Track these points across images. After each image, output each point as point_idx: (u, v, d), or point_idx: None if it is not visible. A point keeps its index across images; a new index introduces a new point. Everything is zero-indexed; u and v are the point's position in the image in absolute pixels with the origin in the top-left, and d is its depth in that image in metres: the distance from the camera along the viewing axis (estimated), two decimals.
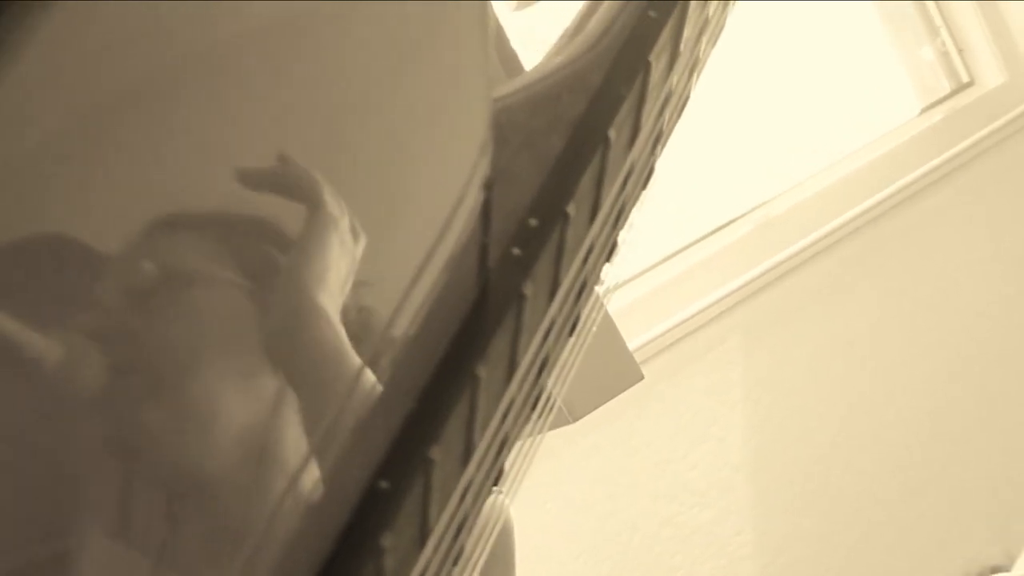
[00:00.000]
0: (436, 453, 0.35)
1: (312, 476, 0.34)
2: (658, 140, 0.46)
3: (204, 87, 0.30)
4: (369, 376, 0.36)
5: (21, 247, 0.27)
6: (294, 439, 0.34)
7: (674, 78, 0.45)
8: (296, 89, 0.33)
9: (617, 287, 0.50)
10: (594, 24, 0.45)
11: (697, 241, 1.78)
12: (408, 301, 0.37)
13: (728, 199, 1.84)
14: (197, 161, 0.31)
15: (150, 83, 0.29)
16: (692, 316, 1.68)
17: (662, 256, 1.74)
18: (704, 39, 0.48)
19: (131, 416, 0.31)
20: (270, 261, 0.34)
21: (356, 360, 0.35)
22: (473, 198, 0.39)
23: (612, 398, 0.82)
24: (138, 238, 0.30)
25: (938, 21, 2.15)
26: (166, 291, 0.32)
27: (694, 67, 0.48)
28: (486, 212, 0.39)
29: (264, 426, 0.34)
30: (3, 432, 0.27)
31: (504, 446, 0.40)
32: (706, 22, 0.47)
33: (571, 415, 0.76)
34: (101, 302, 0.29)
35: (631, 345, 1.16)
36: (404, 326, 0.37)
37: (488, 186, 0.40)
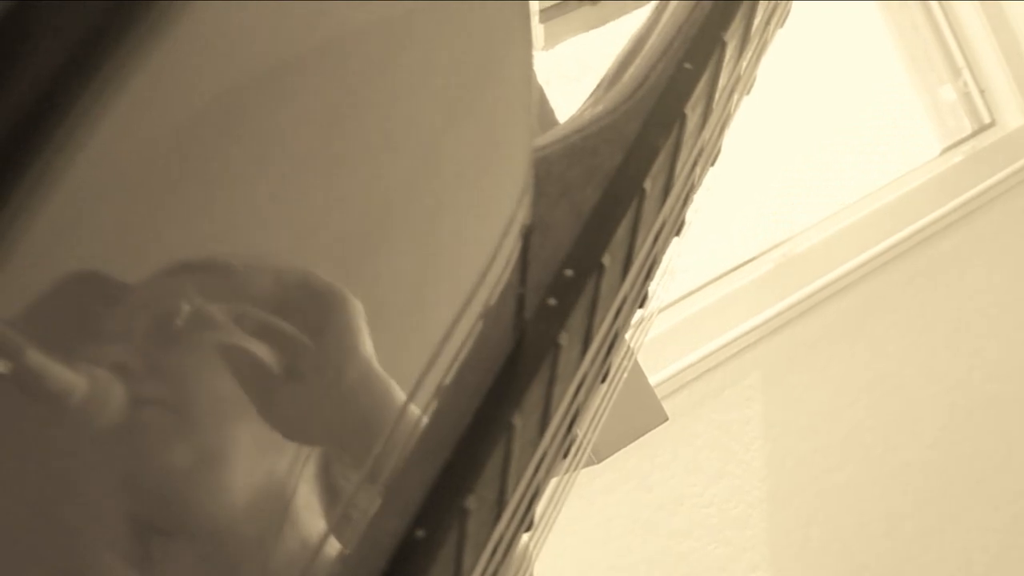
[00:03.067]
0: (471, 502, 0.35)
1: (348, 525, 0.34)
2: (690, 192, 0.47)
3: (270, 131, 0.31)
4: (407, 423, 0.36)
5: (69, 274, 0.27)
6: (328, 489, 0.35)
7: (707, 132, 0.46)
8: (355, 130, 0.33)
9: (642, 325, 0.50)
10: (630, 76, 0.46)
11: (716, 279, 1.78)
12: (445, 350, 0.37)
13: (748, 237, 1.84)
14: (249, 205, 0.31)
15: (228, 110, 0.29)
16: (710, 353, 1.68)
17: (681, 293, 1.74)
18: (736, 94, 0.49)
19: (153, 453, 0.31)
20: (300, 317, 0.34)
21: (395, 410, 0.35)
22: (511, 247, 0.39)
23: (637, 439, 0.82)
24: (179, 276, 0.30)
25: (960, 62, 2.16)
26: (198, 333, 0.32)
27: (726, 121, 0.49)
28: (523, 262, 0.40)
29: (293, 476, 0.34)
30: (27, 458, 0.28)
31: (537, 494, 0.40)
32: (738, 78, 0.48)
33: (596, 456, 0.76)
34: (133, 335, 0.30)
35: (649, 381, 1.16)
36: (440, 375, 0.37)
37: (525, 234, 0.40)
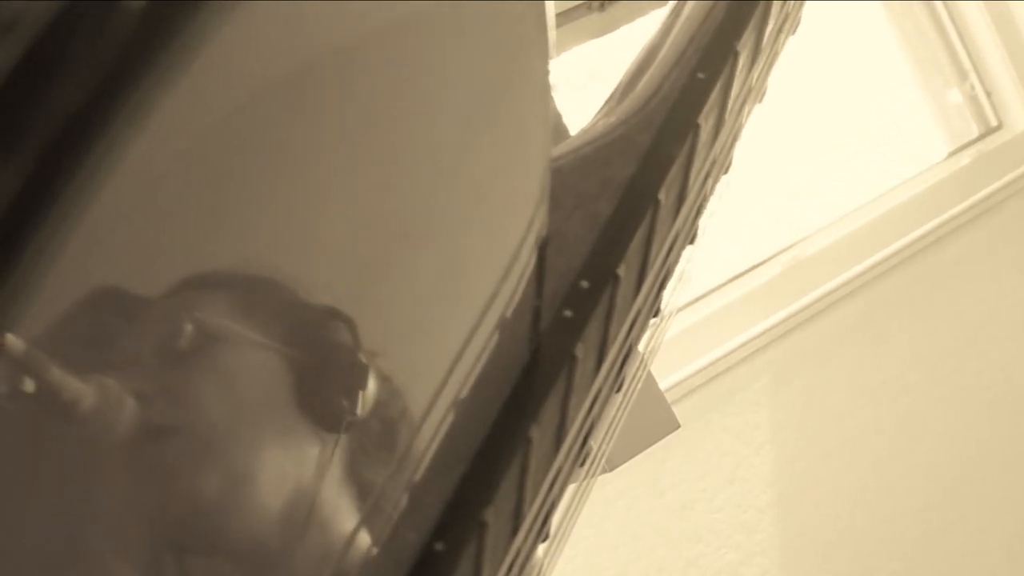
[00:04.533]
0: (490, 515, 0.35)
1: (367, 538, 0.34)
2: (704, 202, 0.47)
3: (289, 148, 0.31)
4: (423, 437, 0.36)
5: (89, 289, 0.27)
6: (348, 501, 0.35)
7: (720, 142, 0.46)
8: (371, 142, 0.33)
9: (655, 333, 0.50)
10: (643, 86, 0.46)
11: (726, 283, 1.78)
12: (461, 363, 0.37)
13: (757, 241, 1.84)
14: (265, 219, 0.31)
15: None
16: (720, 358, 1.68)
17: (691, 298, 1.74)
18: (748, 104, 0.49)
19: (169, 473, 0.31)
20: (299, 323, 0.34)
21: (413, 422, 0.36)
22: (526, 259, 0.39)
23: (649, 447, 0.82)
24: (179, 294, 0.30)
25: (967, 64, 2.15)
26: (202, 350, 0.32)
27: (738, 131, 0.49)
28: (539, 274, 0.40)
29: (315, 487, 0.34)
30: (44, 480, 0.28)
31: (553, 506, 0.40)
32: (750, 89, 0.48)
33: (608, 464, 0.76)
34: (140, 361, 0.30)
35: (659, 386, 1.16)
36: (457, 388, 0.37)
37: (541, 246, 0.40)
